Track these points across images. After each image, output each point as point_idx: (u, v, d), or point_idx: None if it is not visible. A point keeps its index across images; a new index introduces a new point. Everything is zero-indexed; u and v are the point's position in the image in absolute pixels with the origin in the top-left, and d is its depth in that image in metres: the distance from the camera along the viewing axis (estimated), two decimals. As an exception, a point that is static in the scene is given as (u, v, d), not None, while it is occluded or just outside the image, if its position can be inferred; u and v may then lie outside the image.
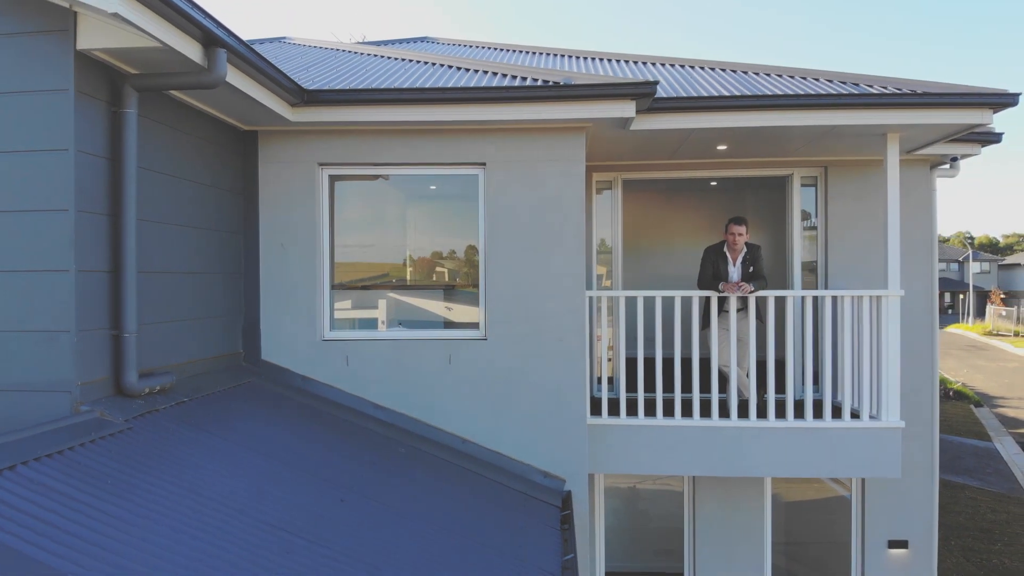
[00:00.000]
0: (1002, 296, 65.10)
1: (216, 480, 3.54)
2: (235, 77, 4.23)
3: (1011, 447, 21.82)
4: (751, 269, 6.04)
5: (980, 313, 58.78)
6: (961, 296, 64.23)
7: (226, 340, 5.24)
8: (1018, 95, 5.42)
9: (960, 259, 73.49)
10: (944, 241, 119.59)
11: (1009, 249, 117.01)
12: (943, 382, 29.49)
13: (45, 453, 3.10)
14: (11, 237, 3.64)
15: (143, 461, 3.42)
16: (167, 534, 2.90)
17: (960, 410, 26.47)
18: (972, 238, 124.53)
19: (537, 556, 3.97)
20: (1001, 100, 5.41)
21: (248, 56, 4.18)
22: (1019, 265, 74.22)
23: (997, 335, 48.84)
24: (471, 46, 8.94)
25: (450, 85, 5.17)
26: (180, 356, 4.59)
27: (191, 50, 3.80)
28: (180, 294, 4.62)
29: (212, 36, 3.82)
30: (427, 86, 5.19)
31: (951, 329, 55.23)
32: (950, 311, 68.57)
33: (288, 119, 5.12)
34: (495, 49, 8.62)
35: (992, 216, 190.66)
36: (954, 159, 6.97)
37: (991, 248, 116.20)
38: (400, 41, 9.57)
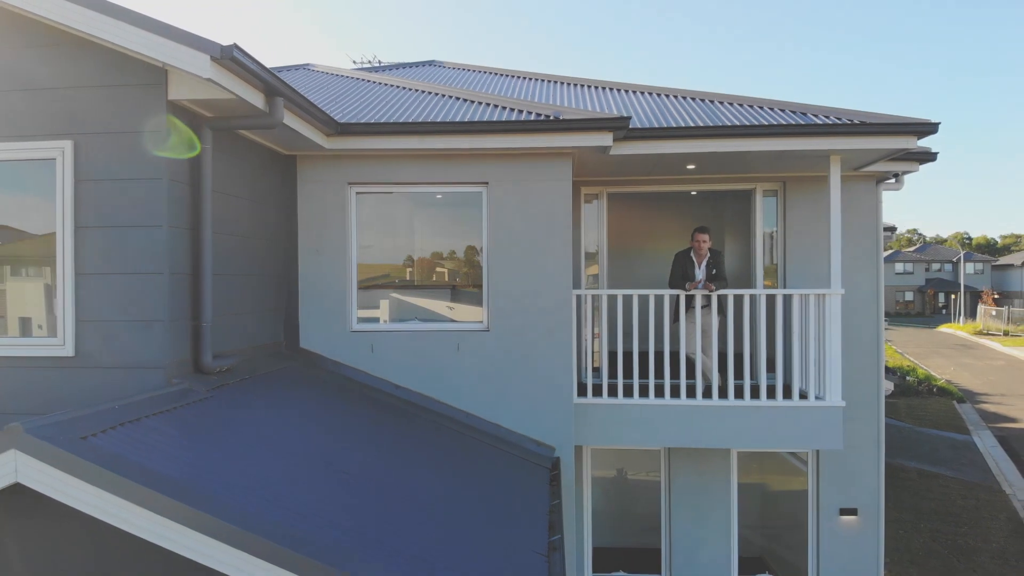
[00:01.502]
0: (995, 296, 66.10)
1: (275, 432, 4.56)
2: (288, 118, 5.26)
3: (988, 440, 22.84)
4: (714, 271, 7.07)
5: (973, 313, 59.72)
6: (952, 296, 65.17)
7: (271, 331, 6.27)
8: (938, 124, 6.44)
9: (954, 260, 74.38)
10: (941, 242, 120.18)
11: (1007, 249, 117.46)
12: (928, 379, 30.49)
13: (156, 411, 4.12)
14: (120, 247, 4.66)
15: (224, 419, 4.44)
16: (248, 462, 3.92)
17: (943, 406, 27.48)
18: (970, 238, 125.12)
19: (530, 499, 4.99)
20: (923, 128, 6.43)
21: (298, 100, 5.21)
22: (1012, 266, 75.13)
23: (987, 334, 49.83)
24: (473, 71, 9.96)
25: (458, 119, 6.19)
26: (238, 343, 5.61)
27: (256, 99, 4.83)
28: (238, 292, 5.63)
29: (272, 88, 4.85)
30: (439, 119, 6.21)
31: (943, 329, 56.22)
32: (944, 311, 69.55)
33: (324, 146, 6.14)
34: (494, 74, 9.64)
35: (991, 216, 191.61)
36: (896, 175, 7.98)
37: (988, 248, 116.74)
38: (410, 65, 10.60)
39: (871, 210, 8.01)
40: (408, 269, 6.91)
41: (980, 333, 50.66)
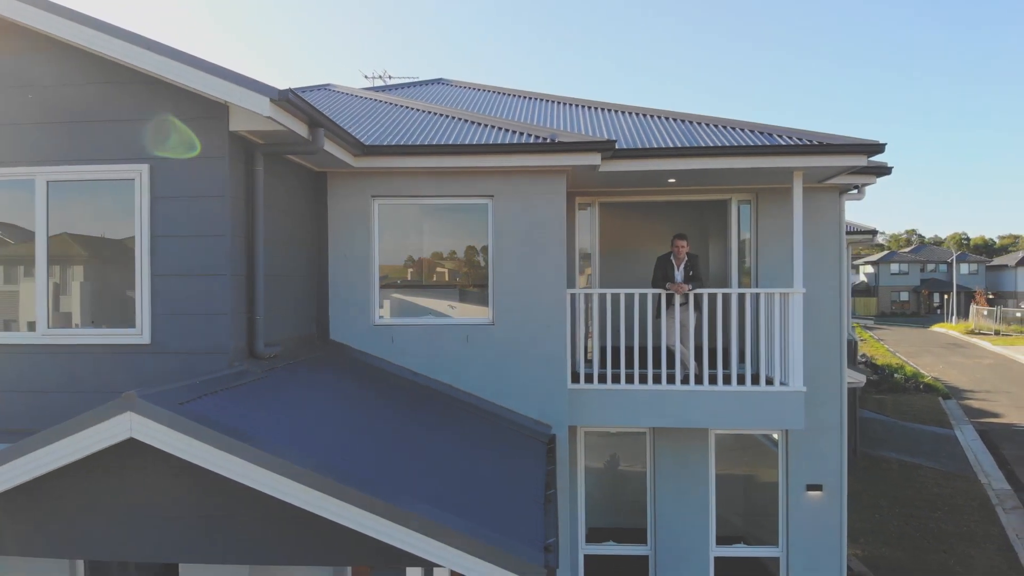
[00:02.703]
0: (990, 296, 67.05)
1: (316, 404, 5.53)
2: (325, 144, 6.22)
3: (969, 434, 23.84)
4: (691, 273, 8.04)
5: (966, 313, 60.65)
6: (946, 296, 66.09)
7: (306, 324, 7.23)
8: (884, 145, 7.41)
9: (948, 261, 75.29)
10: (939, 243, 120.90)
11: (1004, 250, 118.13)
12: (915, 376, 31.45)
13: (225, 387, 5.08)
14: (189, 253, 5.63)
15: (276, 393, 5.41)
16: (299, 424, 4.88)
17: (928, 402, 28.47)
18: (968, 239, 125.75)
19: (529, 464, 5.96)
20: (871, 148, 7.40)
21: (334, 129, 6.17)
22: (1007, 266, 76.05)
23: (979, 334, 50.80)
24: (477, 89, 10.94)
25: (467, 141, 7.16)
26: (280, 334, 6.57)
27: (302, 129, 5.80)
28: (280, 291, 6.60)
29: (315, 120, 5.82)
30: (451, 141, 7.18)
31: (935, 328, 57.17)
32: (939, 311, 70.50)
33: (352, 165, 7.11)
34: (496, 93, 10.62)
35: (991, 217, 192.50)
36: (858, 187, 8.95)
37: (986, 249, 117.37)
38: (419, 83, 11.57)
39: (834, 218, 8.97)
40: (423, 270, 7.88)
41: (972, 332, 51.61)
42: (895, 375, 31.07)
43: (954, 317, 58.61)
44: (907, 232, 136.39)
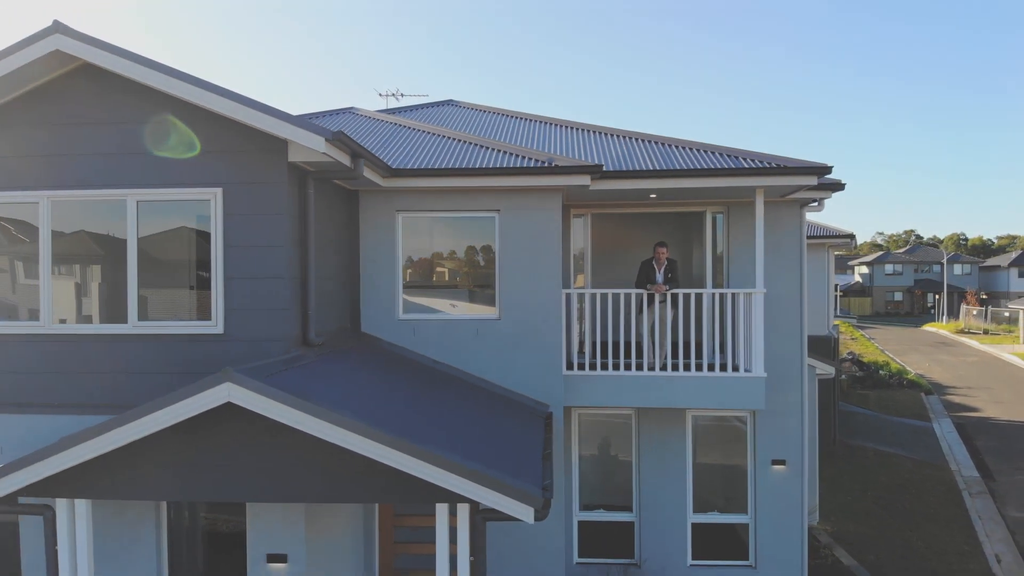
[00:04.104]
0: (983, 296, 68.32)
1: (357, 380, 6.88)
2: (365, 171, 7.57)
3: (946, 426, 25.18)
4: (670, 276, 9.39)
5: (958, 313, 61.94)
6: (936, 296, 67.38)
7: (342, 318, 8.59)
8: (831, 167, 8.77)
9: (942, 261, 76.63)
10: (938, 243, 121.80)
11: (1002, 250, 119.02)
12: (900, 373, 32.79)
13: (289, 367, 6.43)
14: (258, 260, 6.98)
15: (327, 372, 6.76)
16: (350, 396, 6.24)
17: (911, 397, 29.83)
18: (966, 239, 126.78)
19: (530, 433, 7.31)
20: (819, 169, 8.76)
21: (371, 158, 7.53)
22: (1000, 267, 77.26)
23: (968, 333, 52.14)
24: (483, 111, 12.31)
25: (478, 165, 8.52)
26: (323, 327, 7.92)
27: (346, 160, 7.15)
28: (323, 290, 7.95)
29: (357, 152, 7.17)
30: (464, 165, 8.54)
31: (926, 328, 58.52)
32: (932, 311, 71.84)
33: (380, 185, 8.46)
34: (501, 115, 12.00)
35: (991, 217, 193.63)
36: (817, 200, 10.28)
37: (984, 249, 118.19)
38: (431, 105, 12.95)
39: (795, 228, 10.31)
40: (439, 273, 9.23)
41: (961, 332, 52.94)
42: (880, 371, 32.38)
43: (944, 317, 59.87)
44: (906, 232, 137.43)
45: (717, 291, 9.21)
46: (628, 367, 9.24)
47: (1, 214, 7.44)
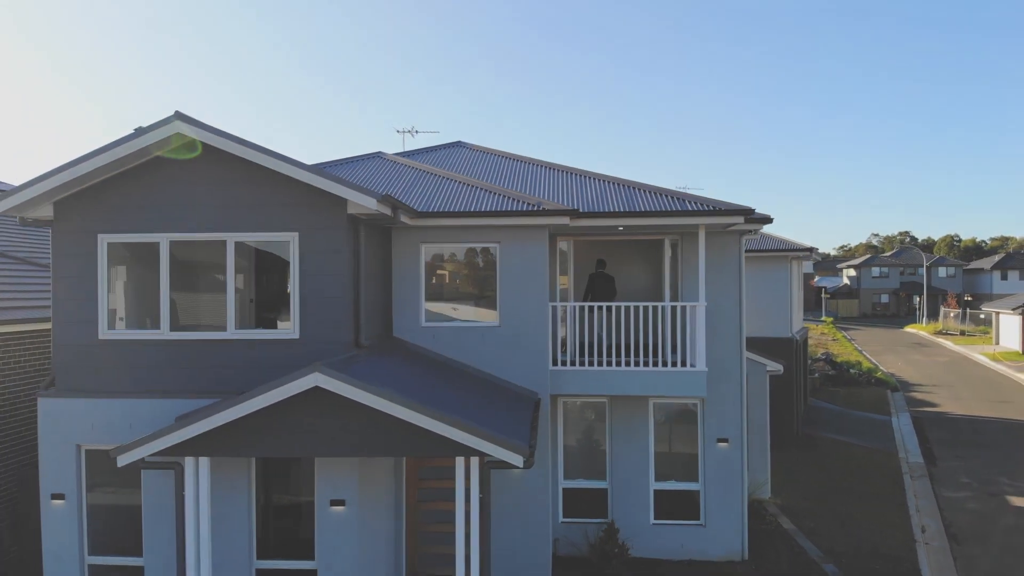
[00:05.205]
0: (967, 299, 70.91)
1: (397, 372, 9.53)
2: (401, 217, 10.22)
3: (904, 420, 27.82)
4: (608, 288, 12.10)
5: (938, 315, 64.47)
6: (917, 298, 69.94)
7: (379, 326, 11.24)
8: (753, 209, 11.45)
9: (926, 264, 79.12)
10: (931, 245, 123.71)
11: (994, 252, 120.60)
12: (869, 371, 35.40)
13: (353, 363, 9.06)
14: (325, 284, 9.61)
15: (376, 365, 9.40)
16: (394, 381, 8.87)
17: (877, 394, 32.47)
18: (959, 241, 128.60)
19: (521, 411, 9.96)
20: (746, 211, 11.42)
21: (404, 207, 10.18)
22: (983, 269, 79.63)
23: (946, 334, 54.78)
24: (489, 153, 15.00)
25: (482, 208, 11.16)
26: (369, 333, 10.55)
27: (388, 211, 9.80)
28: (368, 305, 10.58)
29: (397, 205, 9.82)
30: (472, 208, 11.18)
31: (907, 329, 61.24)
32: (917, 312, 74.44)
33: (409, 224, 11.11)
34: (502, 158, 14.68)
35: (986, 218, 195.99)
36: (752, 231, 12.92)
37: (976, 250, 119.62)
38: (443, 147, 15.63)
39: (735, 253, 12.94)
40: (453, 289, 11.88)
41: (939, 333, 55.60)
42: (851, 370, 34.97)
43: (924, 318, 62.40)
44: (900, 234, 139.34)
45: (671, 304, 11.88)
46: (601, 363, 11.89)
47: (130, 252, 10.08)
